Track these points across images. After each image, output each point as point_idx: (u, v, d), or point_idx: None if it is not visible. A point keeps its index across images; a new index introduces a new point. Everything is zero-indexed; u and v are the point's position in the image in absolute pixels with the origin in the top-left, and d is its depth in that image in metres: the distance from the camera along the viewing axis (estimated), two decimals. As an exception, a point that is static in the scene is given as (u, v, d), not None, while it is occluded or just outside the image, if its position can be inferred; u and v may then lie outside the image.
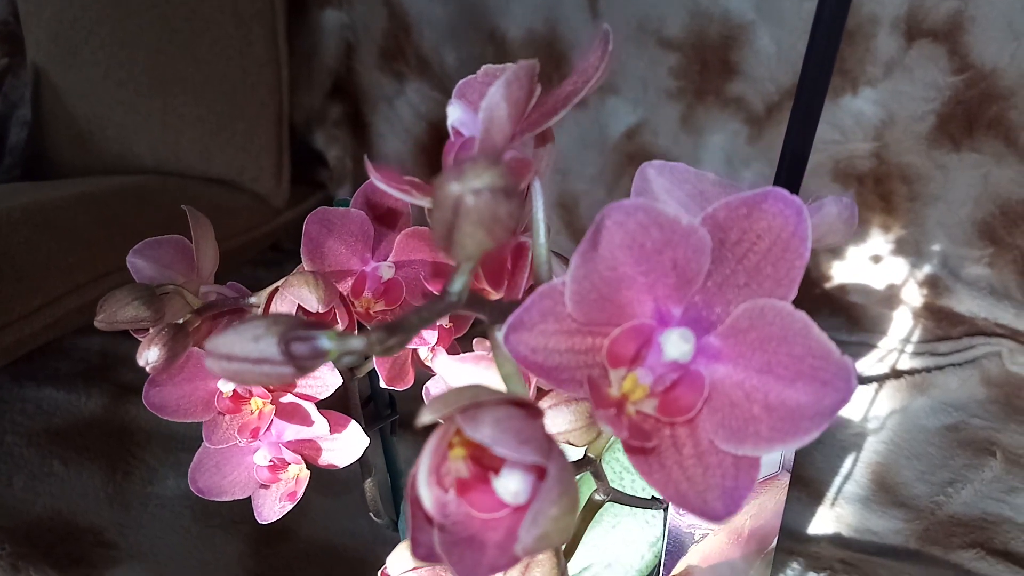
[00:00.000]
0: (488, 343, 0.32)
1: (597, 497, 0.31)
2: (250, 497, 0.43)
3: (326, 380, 0.39)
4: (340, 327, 0.35)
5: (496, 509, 0.18)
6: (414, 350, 0.41)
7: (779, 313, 0.21)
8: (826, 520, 0.97)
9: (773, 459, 0.41)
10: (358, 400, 0.43)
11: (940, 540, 0.94)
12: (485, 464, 0.19)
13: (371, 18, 1.42)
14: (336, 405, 0.42)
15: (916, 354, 1.20)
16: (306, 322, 0.18)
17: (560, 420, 0.28)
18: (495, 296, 0.29)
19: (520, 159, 0.22)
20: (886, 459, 1.03)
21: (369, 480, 0.48)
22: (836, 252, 1.25)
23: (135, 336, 0.36)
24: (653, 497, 0.36)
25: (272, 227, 1.29)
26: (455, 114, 0.23)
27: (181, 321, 0.35)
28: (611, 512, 0.47)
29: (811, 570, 0.88)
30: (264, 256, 1.40)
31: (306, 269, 0.36)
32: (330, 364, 0.39)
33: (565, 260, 0.39)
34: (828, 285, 1.29)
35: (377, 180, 0.23)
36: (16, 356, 0.97)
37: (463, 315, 0.41)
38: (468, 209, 0.16)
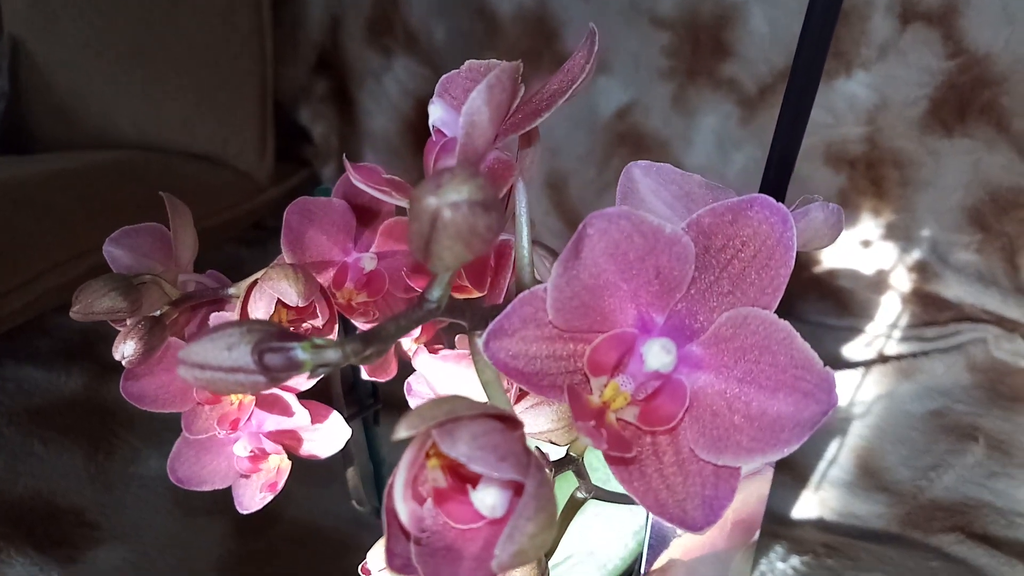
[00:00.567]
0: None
1: (579, 495, 0.30)
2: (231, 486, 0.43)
3: (306, 371, 0.39)
4: (320, 321, 0.34)
5: (473, 520, 0.18)
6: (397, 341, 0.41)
7: (763, 322, 0.20)
8: (810, 504, 0.97)
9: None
10: (340, 390, 0.43)
11: (921, 524, 0.94)
12: (462, 475, 0.18)
13: (358, -10, 1.40)
14: (318, 395, 0.42)
15: (903, 339, 1.20)
16: (281, 332, 0.17)
17: (542, 420, 0.28)
18: (477, 295, 0.28)
19: (503, 160, 0.21)
20: (871, 444, 1.04)
21: (352, 469, 0.48)
22: (825, 236, 1.25)
23: (113, 326, 0.35)
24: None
25: (255, 204, 1.28)
26: (436, 113, 0.23)
27: (158, 314, 0.34)
28: (595, 501, 0.47)
29: (794, 553, 0.88)
30: (247, 234, 1.38)
31: (286, 260, 0.35)
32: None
33: (551, 251, 0.39)
34: (817, 269, 1.29)
35: (356, 180, 0.22)
36: (-5, 334, 0.96)
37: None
38: (446, 223, 0.15)
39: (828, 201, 0.31)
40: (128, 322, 0.35)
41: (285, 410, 0.39)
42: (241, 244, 1.38)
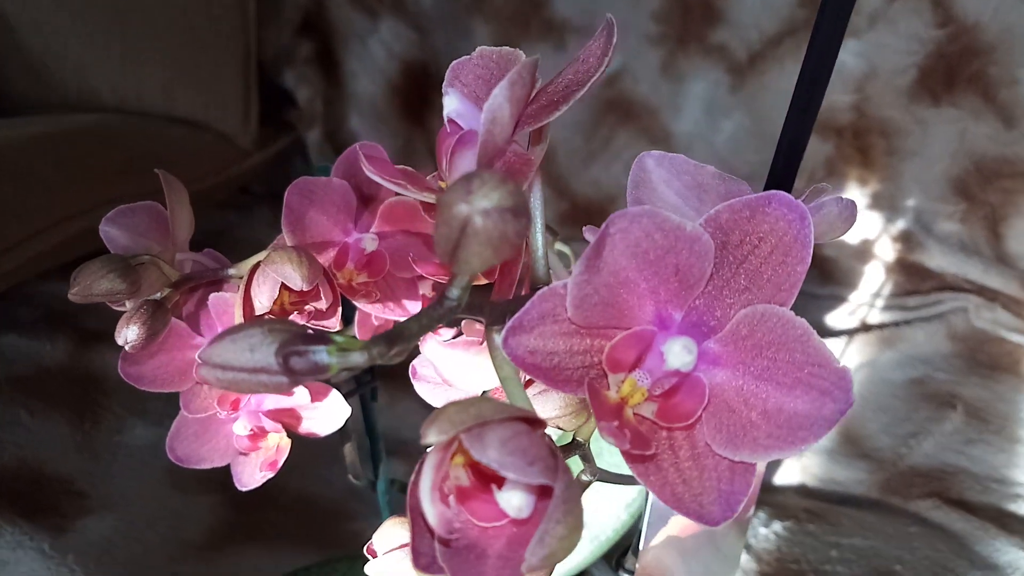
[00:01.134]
0: (475, 324, 0.31)
1: (584, 478, 0.30)
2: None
3: (306, 350, 0.38)
4: (324, 304, 0.34)
5: (497, 519, 0.18)
6: (394, 321, 0.40)
7: (780, 319, 0.20)
8: (792, 471, 0.99)
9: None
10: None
11: (900, 490, 0.96)
12: (486, 473, 0.18)
13: (343, -50, 1.37)
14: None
15: (886, 308, 1.22)
16: (305, 334, 0.17)
17: (549, 406, 0.28)
18: (485, 282, 0.28)
19: (521, 155, 0.21)
20: (853, 411, 1.05)
21: (349, 444, 0.48)
22: (811, 205, 1.25)
23: (111, 307, 0.35)
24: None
25: (241, 169, 1.26)
26: (452, 104, 0.22)
27: (160, 297, 0.34)
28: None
29: (776, 519, 0.90)
30: (233, 199, 1.37)
31: (287, 242, 0.35)
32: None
33: (551, 230, 0.38)
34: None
35: (369, 171, 0.22)
36: (-24, 303, 0.95)
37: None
38: (476, 230, 0.15)
39: (823, 182, 0.32)
40: (128, 305, 0.34)
41: (285, 389, 0.39)
42: (227, 209, 1.37)
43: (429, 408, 0.77)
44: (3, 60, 1.25)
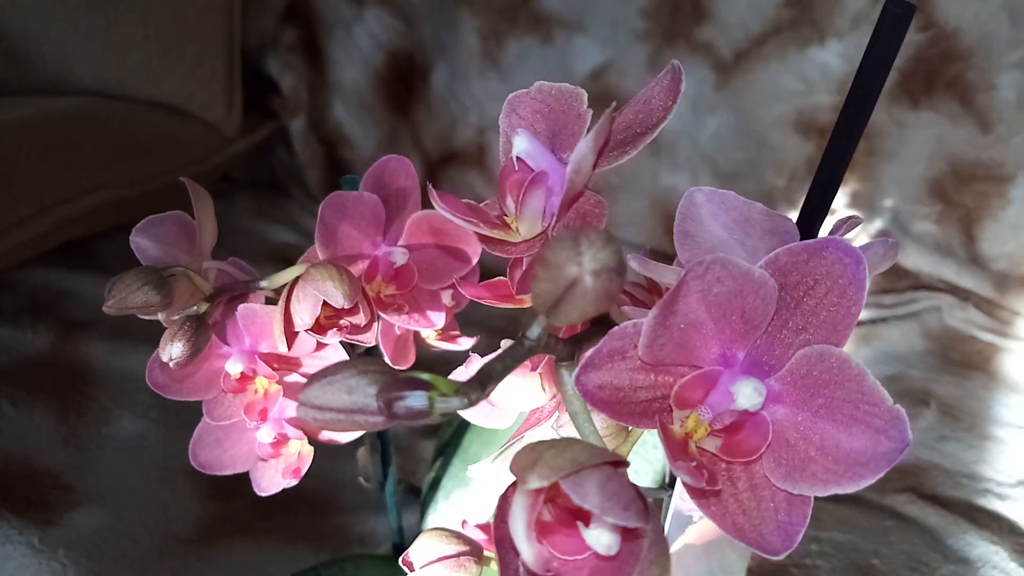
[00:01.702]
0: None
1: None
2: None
3: (331, 359, 0.39)
4: (363, 320, 0.34)
5: (580, 552, 0.19)
6: (416, 331, 0.41)
7: (836, 359, 0.21)
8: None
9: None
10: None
11: (876, 485, 0.99)
12: (570, 509, 0.19)
13: (329, -63, 1.36)
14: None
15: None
16: (405, 380, 0.18)
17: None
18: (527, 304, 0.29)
19: (594, 199, 0.22)
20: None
21: (363, 448, 0.49)
22: (793, 203, 1.27)
23: (141, 316, 0.35)
24: (660, 485, 0.37)
25: (224, 158, 1.25)
26: (522, 145, 0.23)
27: (197, 311, 0.34)
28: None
29: (758, 513, 0.92)
30: (215, 186, 1.35)
31: (320, 256, 0.35)
32: (337, 344, 0.39)
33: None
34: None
35: (442, 208, 0.22)
36: (-42, 292, 0.94)
37: (463, 295, 0.42)
38: (586, 289, 0.16)
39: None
40: (161, 317, 0.34)
41: (309, 398, 0.40)
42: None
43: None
44: (-22, 41, 1.22)
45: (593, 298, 0.16)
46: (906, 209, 1.26)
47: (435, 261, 0.39)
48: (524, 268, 0.23)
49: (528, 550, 0.17)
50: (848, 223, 0.28)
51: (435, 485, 0.59)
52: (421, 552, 0.33)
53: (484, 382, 0.18)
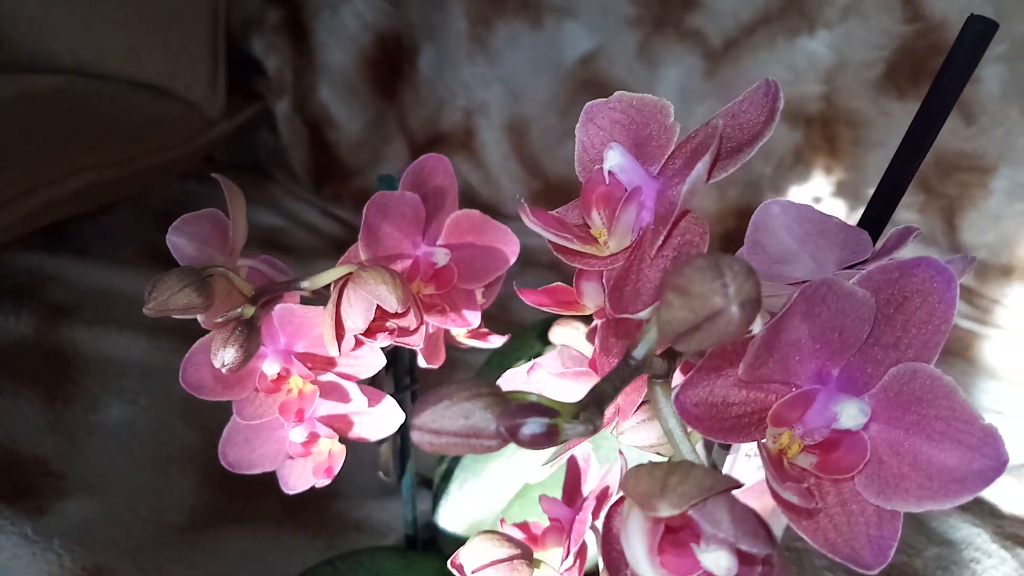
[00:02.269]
0: (572, 351, 0.32)
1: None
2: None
3: (368, 360, 0.39)
4: (413, 324, 0.34)
5: (691, 571, 0.19)
6: (447, 329, 0.41)
7: (928, 377, 0.22)
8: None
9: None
10: (381, 372, 0.43)
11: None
12: (680, 528, 0.19)
13: (314, -87, 1.33)
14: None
15: (846, 294, 1.26)
16: (526, 405, 0.18)
17: (647, 435, 0.29)
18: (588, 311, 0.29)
19: (698, 218, 0.22)
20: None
21: (385, 444, 0.49)
22: (779, 191, 1.28)
23: (180, 316, 0.34)
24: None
25: (208, 139, 1.22)
26: (615, 160, 0.23)
27: (247, 315, 0.33)
28: (602, 456, 0.49)
29: (749, 499, 0.94)
30: (197, 169, 1.33)
31: (362, 256, 0.35)
32: (373, 344, 0.38)
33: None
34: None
35: (533, 223, 0.22)
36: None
37: (494, 285, 0.41)
38: (731, 320, 0.16)
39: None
40: (201, 319, 0.34)
41: (343, 397, 0.40)
42: (188, 178, 1.33)
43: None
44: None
45: (735, 329, 0.16)
46: (889, 198, 1.27)
47: (473, 261, 0.38)
48: (611, 281, 0.23)
49: (652, 573, 0.17)
50: (903, 230, 0.28)
51: (447, 476, 0.59)
52: (472, 556, 0.33)
53: (599, 404, 0.18)
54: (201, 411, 0.96)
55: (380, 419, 0.41)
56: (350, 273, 0.35)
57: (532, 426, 0.17)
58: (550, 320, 0.73)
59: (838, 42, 1.21)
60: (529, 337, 0.69)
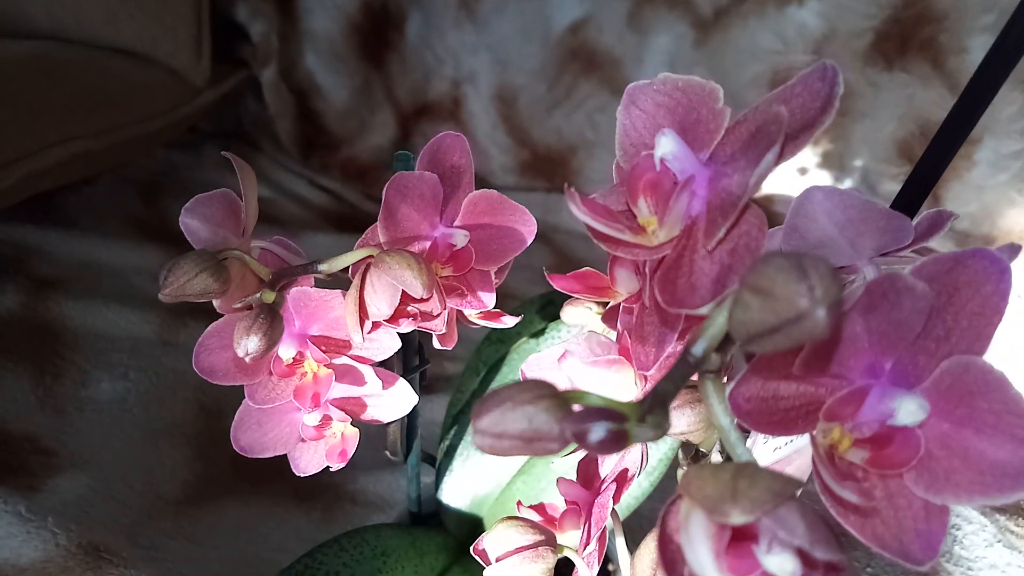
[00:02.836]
0: (601, 338, 0.32)
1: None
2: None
3: (384, 343, 0.38)
4: (437, 309, 0.34)
5: (751, 571, 0.19)
6: (459, 310, 0.41)
7: (980, 370, 0.21)
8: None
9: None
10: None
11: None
12: (740, 529, 0.19)
13: None
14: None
15: (833, 265, 1.27)
16: (591, 409, 0.17)
17: (683, 420, 0.29)
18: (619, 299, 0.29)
19: (755, 211, 0.21)
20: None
21: (394, 424, 0.48)
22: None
23: (196, 300, 0.34)
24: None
25: (193, 108, 1.20)
26: (668, 147, 0.22)
27: (268, 301, 0.33)
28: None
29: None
30: (181, 138, 1.30)
31: (381, 239, 0.34)
32: (390, 328, 0.38)
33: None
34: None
35: (582, 214, 0.22)
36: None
37: (505, 267, 0.41)
38: (816, 324, 0.15)
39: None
40: (217, 304, 0.33)
41: (358, 379, 0.39)
42: (172, 148, 1.30)
43: (449, 385, 0.78)
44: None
45: (819, 332, 0.16)
46: (875, 169, 1.28)
47: (490, 241, 0.38)
48: (657, 271, 0.22)
49: (718, 576, 0.17)
50: (937, 213, 0.28)
51: (450, 452, 0.59)
52: (497, 543, 0.33)
53: (663, 403, 0.18)
54: (192, 384, 0.95)
55: (393, 401, 0.41)
56: (369, 256, 0.34)
57: (600, 431, 0.17)
58: (549, 294, 0.72)
59: (828, 11, 1.21)
60: (529, 311, 0.68)
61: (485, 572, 0.33)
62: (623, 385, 0.29)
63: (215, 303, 0.34)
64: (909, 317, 0.21)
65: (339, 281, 0.38)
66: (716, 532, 0.18)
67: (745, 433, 0.22)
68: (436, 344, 0.40)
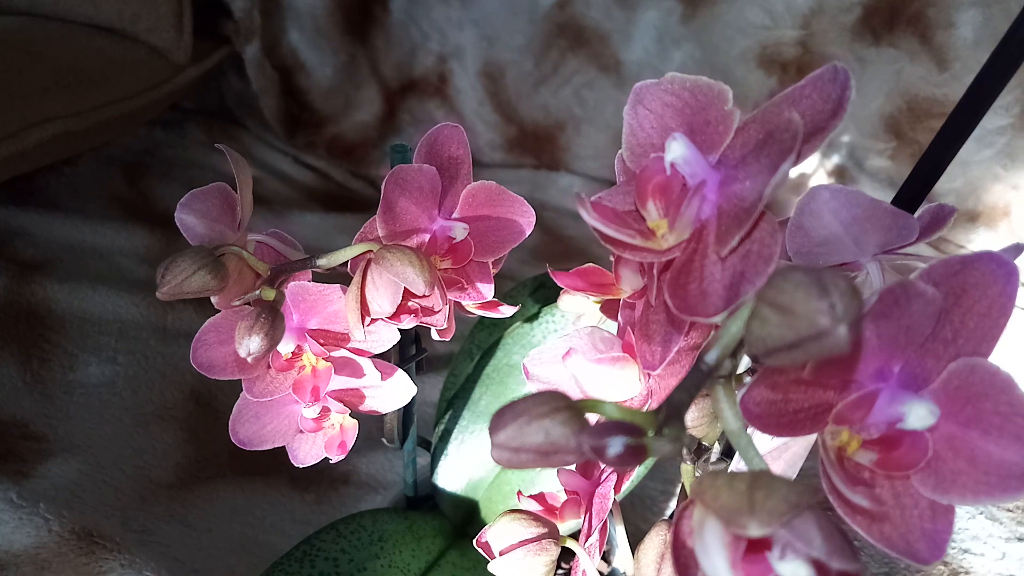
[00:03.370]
0: (605, 334, 0.32)
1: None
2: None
3: (383, 335, 0.38)
4: (439, 306, 0.33)
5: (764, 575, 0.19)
6: (458, 302, 0.40)
7: (987, 372, 0.22)
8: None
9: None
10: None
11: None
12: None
13: None
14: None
15: (820, 240, 1.28)
16: (609, 424, 0.17)
17: (687, 416, 0.29)
18: (624, 296, 0.29)
19: (768, 217, 0.21)
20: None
21: (391, 413, 0.48)
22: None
23: (194, 297, 0.33)
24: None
25: (175, 86, 1.17)
26: (679, 151, 0.22)
27: (268, 298, 0.32)
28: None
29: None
30: (163, 116, 1.28)
31: (380, 233, 0.34)
32: (394, 325, 0.38)
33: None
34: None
35: (593, 220, 0.21)
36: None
37: (503, 256, 0.41)
38: (838, 341, 0.15)
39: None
40: (215, 300, 0.33)
41: (356, 372, 0.39)
42: (155, 126, 1.28)
43: (441, 364, 0.77)
44: None
45: (840, 349, 0.16)
46: (862, 144, 1.28)
47: (489, 233, 0.38)
48: (664, 274, 0.22)
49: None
50: (938, 207, 0.28)
51: (445, 437, 0.59)
52: (500, 536, 0.33)
53: (679, 415, 0.18)
54: (181, 367, 0.95)
55: (392, 392, 0.41)
56: (368, 252, 0.34)
57: (618, 445, 0.17)
58: (541, 278, 0.72)
59: (817, -14, 1.20)
60: (521, 294, 0.68)
61: (489, 566, 0.33)
62: (628, 381, 0.29)
63: (213, 300, 0.34)
64: (919, 322, 0.21)
65: (336, 273, 0.38)
66: (732, 541, 0.18)
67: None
68: (435, 336, 0.40)
